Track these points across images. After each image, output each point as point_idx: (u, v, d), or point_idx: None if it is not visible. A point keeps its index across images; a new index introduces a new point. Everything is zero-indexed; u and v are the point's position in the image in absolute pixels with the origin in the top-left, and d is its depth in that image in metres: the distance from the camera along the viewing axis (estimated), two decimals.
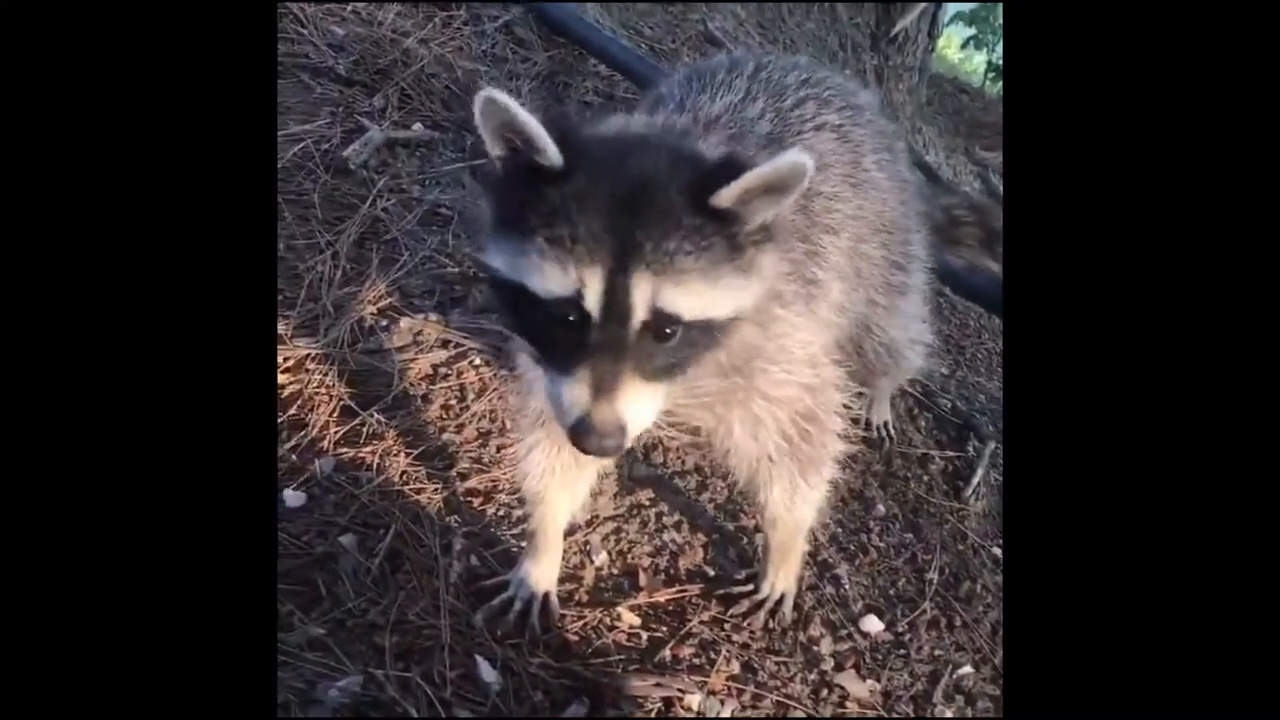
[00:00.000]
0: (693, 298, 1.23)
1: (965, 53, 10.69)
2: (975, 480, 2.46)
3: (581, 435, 1.22)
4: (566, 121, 1.33)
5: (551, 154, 1.23)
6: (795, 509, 1.76)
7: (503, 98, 1.20)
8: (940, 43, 10.29)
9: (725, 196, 1.23)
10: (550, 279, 1.22)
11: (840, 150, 1.78)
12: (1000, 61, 10.23)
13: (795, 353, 1.56)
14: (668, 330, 1.24)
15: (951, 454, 2.58)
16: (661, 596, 1.90)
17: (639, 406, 1.25)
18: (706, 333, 1.29)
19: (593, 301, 1.21)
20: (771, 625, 1.91)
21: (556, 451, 1.69)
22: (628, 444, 1.26)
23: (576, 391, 1.22)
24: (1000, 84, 9.81)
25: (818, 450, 1.69)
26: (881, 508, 2.28)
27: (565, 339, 1.24)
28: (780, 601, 1.93)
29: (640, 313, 1.22)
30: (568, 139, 1.26)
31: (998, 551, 2.30)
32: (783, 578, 1.93)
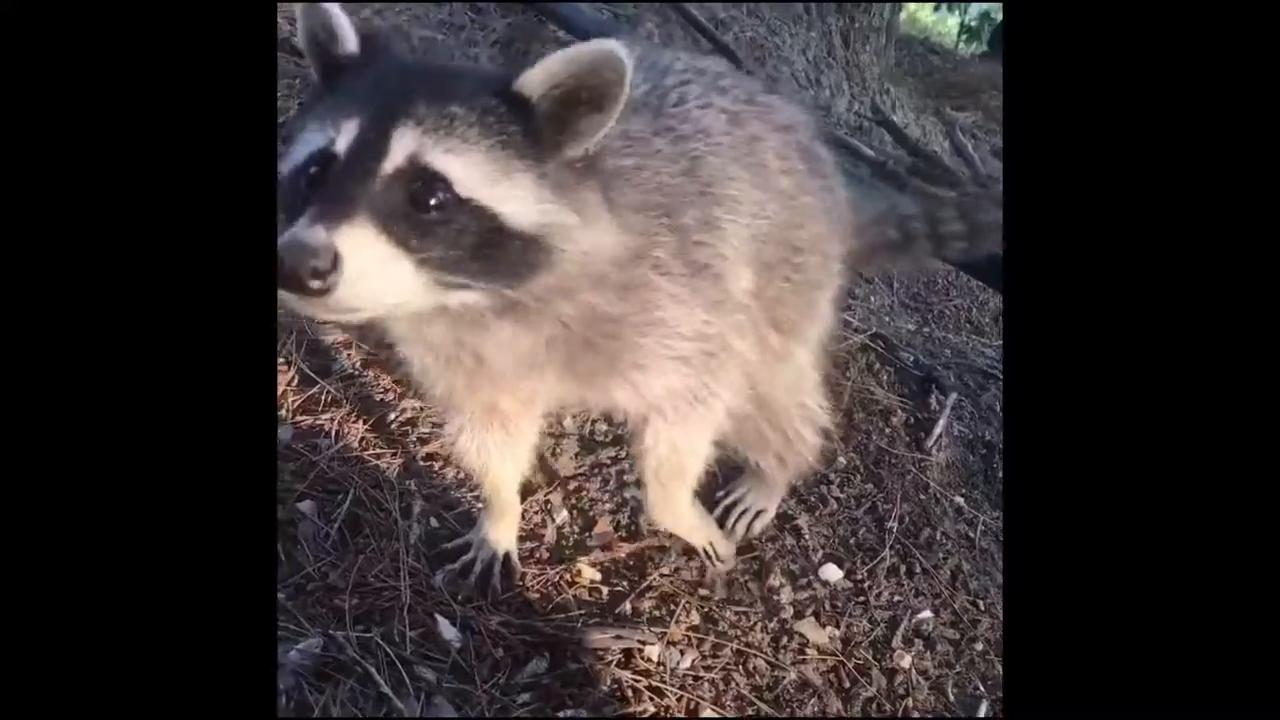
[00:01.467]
0: (470, 169, 1.11)
1: (939, 14, 10.69)
2: (937, 431, 2.48)
3: (282, 255, 1.00)
4: (380, 33, 1.29)
5: (349, 40, 1.20)
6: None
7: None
8: (913, 5, 10.31)
9: (528, 81, 1.14)
10: (308, 142, 1.13)
11: (732, 133, 1.55)
12: (972, 23, 10.25)
13: (676, 326, 1.42)
14: (432, 198, 1.10)
15: (913, 407, 2.60)
16: (622, 552, 1.91)
17: (367, 251, 1.04)
18: (492, 232, 1.12)
19: (342, 144, 1.10)
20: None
21: (485, 428, 1.65)
22: (344, 288, 1.03)
23: (295, 227, 1.04)
24: (972, 45, 9.83)
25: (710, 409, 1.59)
26: (842, 460, 2.30)
27: (308, 200, 1.08)
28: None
29: (395, 158, 1.08)
30: (372, 38, 1.22)
31: (960, 500, 2.33)
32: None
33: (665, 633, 1.75)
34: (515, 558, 1.84)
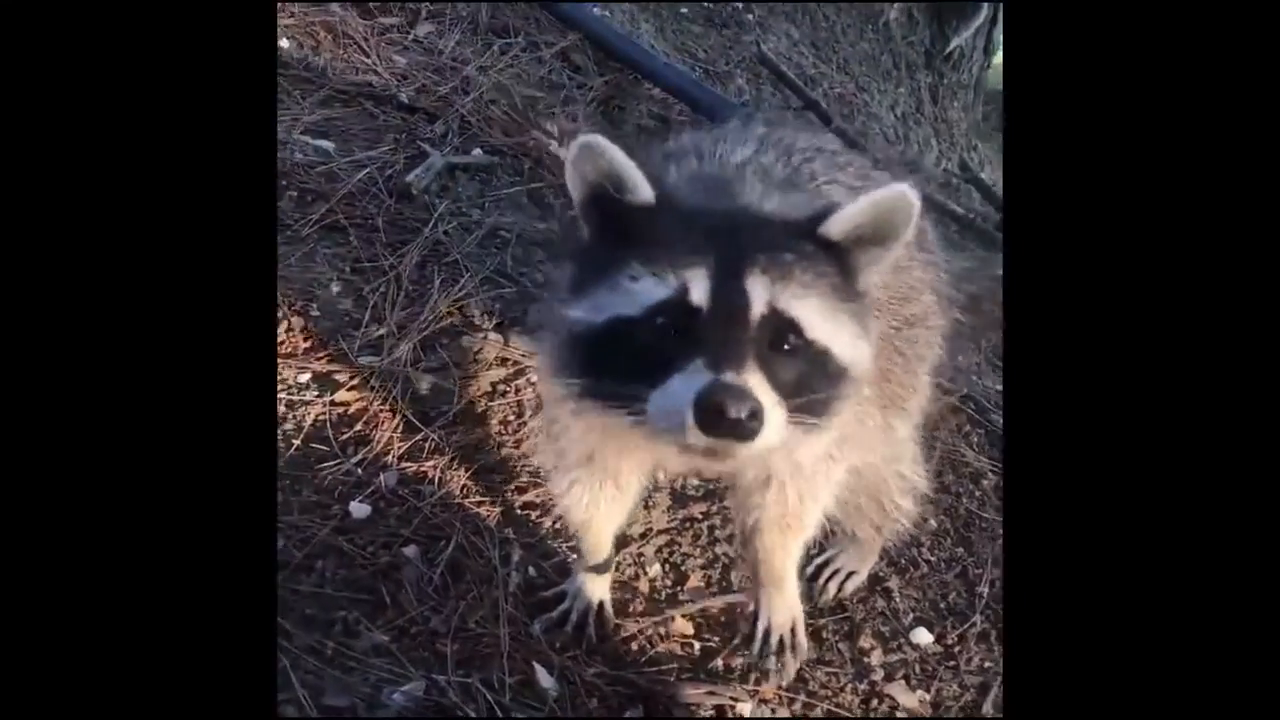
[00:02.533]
0: (812, 313, 1.19)
1: None
2: None
3: (709, 401, 1.06)
4: (649, 161, 1.33)
5: (644, 190, 1.24)
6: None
7: (600, 141, 1.21)
8: (999, 58, 10.24)
9: (835, 225, 1.23)
10: (645, 291, 1.18)
11: None
12: None
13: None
14: (787, 341, 1.18)
15: (1003, 469, 2.59)
16: (714, 606, 1.94)
17: (769, 396, 1.11)
18: (825, 371, 1.21)
19: (699, 295, 1.16)
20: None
21: (599, 485, 1.69)
22: (765, 432, 1.10)
23: (691, 372, 1.10)
24: None
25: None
26: (933, 522, 2.30)
27: (668, 347, 1.15)
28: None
29: (759, 306, 1.15)
30: (659, 182, 1.26)
31: None
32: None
33: (758, 691, 1.77)
34: (609, 607, 1.88)
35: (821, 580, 2.02)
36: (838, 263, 1.25)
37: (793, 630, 1.83)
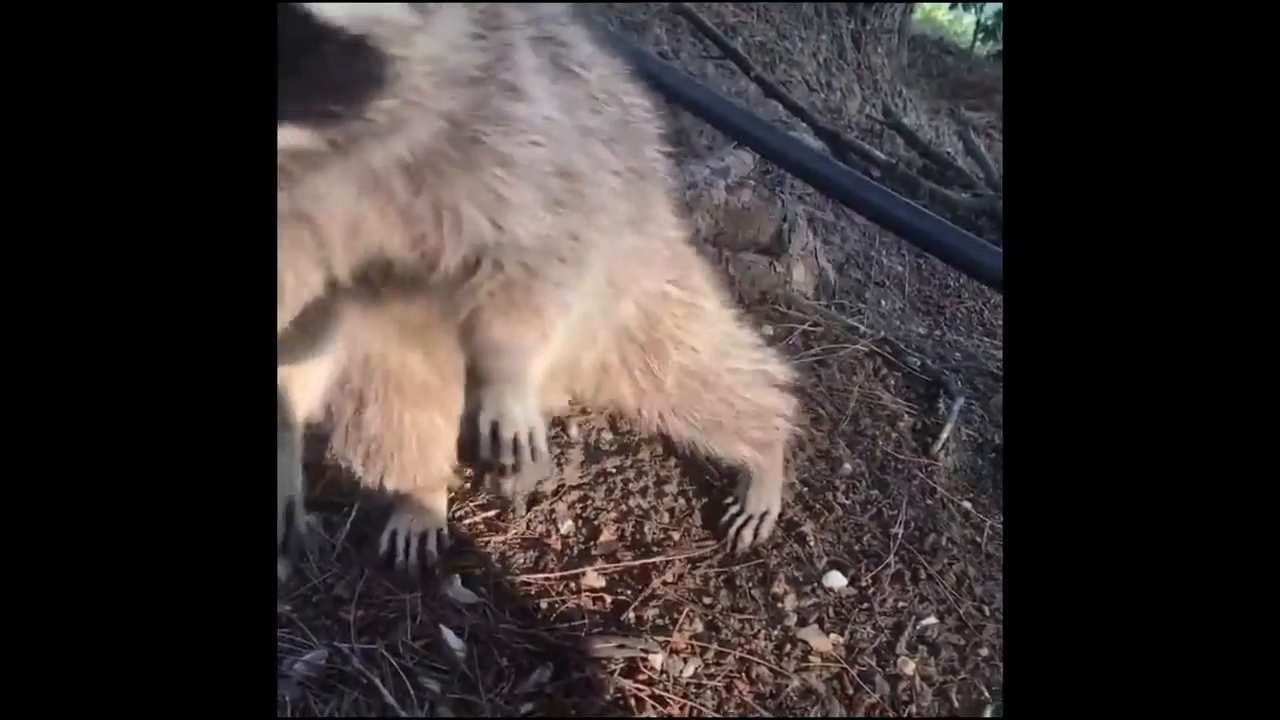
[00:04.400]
0: None
1: (954, 13, 10.64)
2: (944, 435, 2.48)
3: None
4: None
5: None
6: None
7: None
8: (928, 5, 10.28)
9: None
10: None
11: None
12: (989, 22, 10.20)
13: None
14: None
15: (920, 411, 2.60)
16: (629, 561, 1.93)
17: None
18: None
19: None
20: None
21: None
22: None
23: None
24: (989, 44, 9.78)
25: None
26: (848, 466, 2.30)
27: None
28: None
29: None
30: None
31: (967, 505, 2.32)
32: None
33: (669, 641, 1.76)
34: (436, 537, 1.90)
35: (733, 532, 2.01)
36: None
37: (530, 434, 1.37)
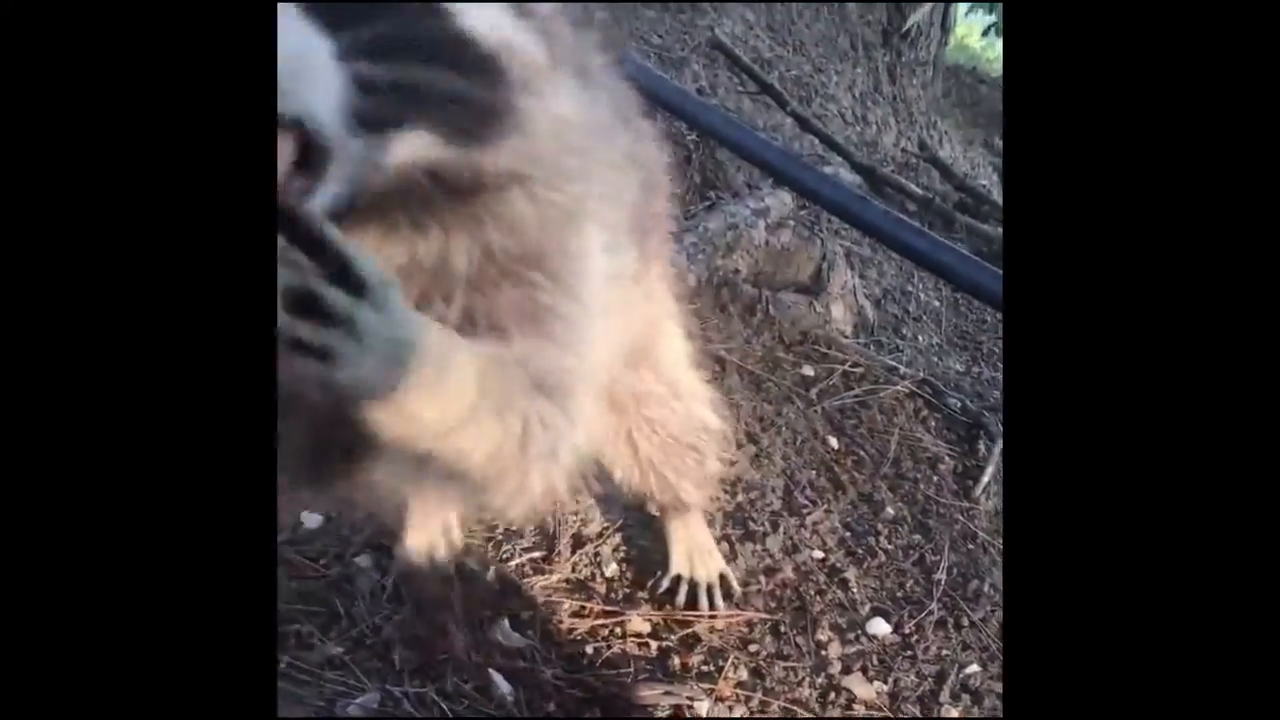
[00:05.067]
0: None
1: (987, 40, 10.64)
2: (985, 479, 2.49)
3: None
4: None
5: None
6: None
7: None
8: (961, 32, 10.27)
9: None
10: None
11: None
12: None
13: None
14: None
15: (961, 453, 2.60)
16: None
17: None
18: None
19: None
20: None
21: None
22: None
23: None
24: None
25: None
26: (890, 510, 2.32)
27: None
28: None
29: None
30: None
31: None
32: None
33: (714, 689, 1.78)
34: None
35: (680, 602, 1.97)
36: None
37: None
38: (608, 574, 2.01)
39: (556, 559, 2.02)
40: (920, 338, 3.58)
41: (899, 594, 2.11)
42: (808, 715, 1.78)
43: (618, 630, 1.89)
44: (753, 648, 1.89)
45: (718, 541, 2.11)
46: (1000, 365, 3.60)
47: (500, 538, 2.02)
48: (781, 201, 3.06)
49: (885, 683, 1.89)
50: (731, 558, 2.09)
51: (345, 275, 0.82)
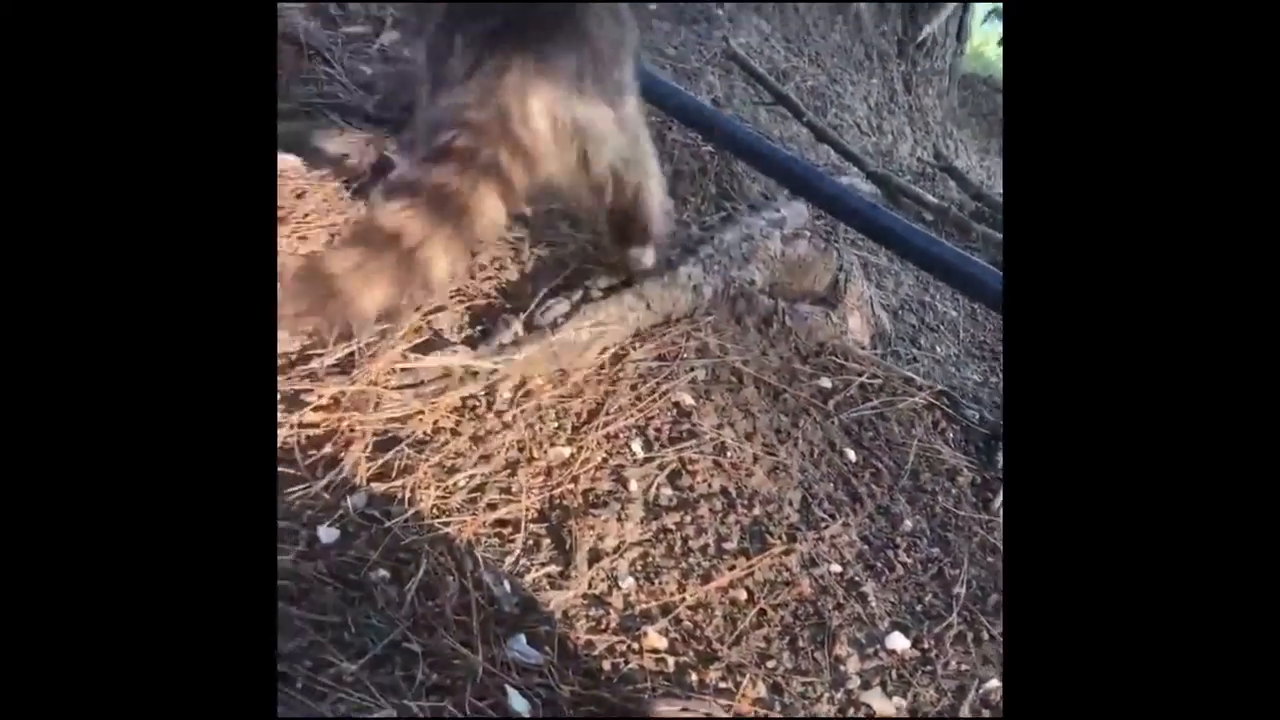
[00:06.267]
0: None
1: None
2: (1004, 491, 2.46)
3: None
4: None
5: None
6: None
7: None
8: (977, 41, 10.24)
9: None
10: None
11: None
12: None
13: None
14: None
15: (979, 465, 2.58)
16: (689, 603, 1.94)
17: None
18: None
19: None
20: None
21: None
22: None
23: None
24: None
25: None
26: (908, 523, 2.30)
27: None
28: None
29: None
30: None
31: None
32: None
33: (732, 705, 1.76)
34: None
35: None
36: None
37: None
38: (624, 588, 2.00)
39: (573, 573, 2.01)
40: (938, 348, 3.56)
41: (918, 608, 2.09)
42: None
43: (634, 646, 1.87)
44: (770, 663, 1.88)
45: (734, 554, 2.10)
46: None
47: (518, 553, 2.02)
48: (797, 212, 3.04)
49: (905, 698, 1.87)
50: (749, 572, 2.07)
51: None
